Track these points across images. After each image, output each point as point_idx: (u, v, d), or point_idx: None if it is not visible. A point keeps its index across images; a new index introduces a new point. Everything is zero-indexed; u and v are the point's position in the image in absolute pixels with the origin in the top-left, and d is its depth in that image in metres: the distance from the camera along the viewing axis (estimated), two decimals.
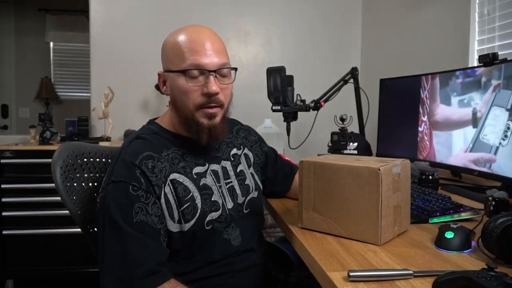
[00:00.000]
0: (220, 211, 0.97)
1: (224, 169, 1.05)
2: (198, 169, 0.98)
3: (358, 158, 0.95)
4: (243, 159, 1.12)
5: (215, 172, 1.02)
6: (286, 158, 1.31)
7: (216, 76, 0.93)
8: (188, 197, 0.93)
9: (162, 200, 0.90)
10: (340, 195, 0.88)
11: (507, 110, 1.23)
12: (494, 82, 1.29)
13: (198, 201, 0.94)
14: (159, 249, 0.86)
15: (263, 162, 1.20)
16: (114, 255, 0.83)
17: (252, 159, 1.15)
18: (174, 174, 0.93)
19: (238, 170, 1.08)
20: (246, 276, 1.00)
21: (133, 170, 0.89)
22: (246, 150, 1.14)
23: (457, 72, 1.48)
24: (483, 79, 1.35)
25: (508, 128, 1.21)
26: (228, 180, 1.04)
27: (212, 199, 0.97)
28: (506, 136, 1.23)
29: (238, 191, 1.05)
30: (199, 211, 0.93)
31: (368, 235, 0.84)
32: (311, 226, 0.94)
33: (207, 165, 1.01)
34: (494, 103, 1.29)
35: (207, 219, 0.95)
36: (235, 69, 0.98)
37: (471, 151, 1.39)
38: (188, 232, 0.92)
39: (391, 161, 0.89)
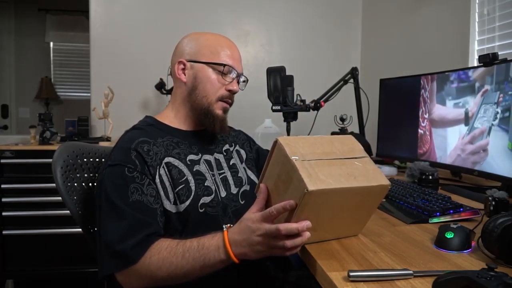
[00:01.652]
0: (212, 196, 1.01)
1: (217, 160, 1.10)
2: (192, 157, 1.03)
3: (343, 163, 0.83)
4: (235, 154, 1.18)
5: (208, 162, 1.06)
6: None
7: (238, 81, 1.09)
8: (182, 179, 0.97)
9: (157, 181, 0.94)
10: (339, 212, 0.82)
11: (495, 103, 1.30)
12: (485, 87, 1.35)
13: (192, 185, 0.98)
14: (154, 226, 0.89)
15: (255, 158, 1.25)
16: (111, 232, 0.85)
17: (244, 156, 1.21)
18: (169, 157, 0.98)
19: (231, 163, 1.13)
20: (246, 274, 1.00)
21: (128, 153, 0.94)
22: (237, 147, 1.21)
23: (452, 78, 1.49)
24: (477, 84, 1.38)
25: (497, 113, 1.29)
26: (222, 171, 1.09)
27: (205, 184, 1.01)
28: (496, 117, 1.30)
29: (231, 181, 1.09)
30: (193, 193, 0.98)
31: (355, 232, 0.89)
32: None
33: (200, 154, 1.06)
34: (483, 102, 1.35)
35: (201, 202, 0.98)
36: (247, 80, 1.15)
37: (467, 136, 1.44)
38: (185, 212, 0.95)
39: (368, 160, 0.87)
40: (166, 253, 0.83)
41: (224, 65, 1.05)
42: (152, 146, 0.97)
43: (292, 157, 0.77)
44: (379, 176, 0.83)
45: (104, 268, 0.85)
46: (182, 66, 1.07)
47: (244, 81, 1.13)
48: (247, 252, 0.79)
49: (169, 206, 0.95)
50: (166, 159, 0.97)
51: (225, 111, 1.08)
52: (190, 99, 1.06)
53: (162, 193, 0.94)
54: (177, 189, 0.96)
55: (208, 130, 1.07)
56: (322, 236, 0.86)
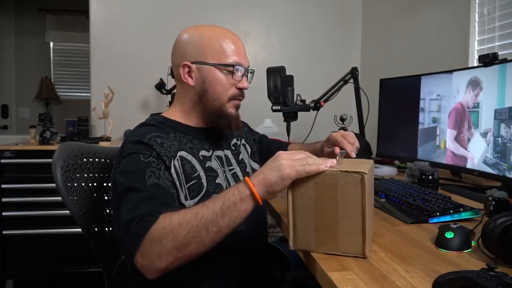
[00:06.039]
0: None
1: (226, 157, 1.09)
2: (203, 153, 1.02)
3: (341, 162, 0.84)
4: (242, 149, 1.18)
5: (219, 158, 1.06)
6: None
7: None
8: (194, 175, 0.96)
9: (172, 171, 0.92)
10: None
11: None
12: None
13: (204, 181, 0.97)
14: (172, 206, 0.85)
15: (258, 149, 1.26)
16: (128, 211, 0.80)
17: (249, 150, 1.22)
18: (182, 152, 0.97)
19: (239, 158, 1.13)
20: (245, 273, 1.01)
21: (142, 144, 0.92)
22: (243, 141, 1.21)
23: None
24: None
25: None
26: (231, 167, 1.08)
27: (217, 181, 1.00)
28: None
29: (241, 177, 1.09)
30: (204, 189, 0.96)
31: (354, 246, 0.75)
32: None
33: (211, 151, 1.04)
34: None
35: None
36: (254, 71, 1.13)
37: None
38: None
39: (365, 162, 0.81)
40: (187, 210, 0.78)
41: (233, 65, 1.01)
42: (165, 140, 0.95)
43: None
44: (354, 167, 0.75)
45: (128, 250, 0.79)
46: (187, 69, 1.01)
47: (251, 73, 1.10)
48: (267, 176, 0.76)
49: (182, 198, 0.92)
50: (180, 153, 0.95)
51: (237, 108, 1.07)
52: (201, 102, 1.03)
53: (177, 183, 0.92)
54: (189, 184, 0.94)
55: (224, 130, 1.07)
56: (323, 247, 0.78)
